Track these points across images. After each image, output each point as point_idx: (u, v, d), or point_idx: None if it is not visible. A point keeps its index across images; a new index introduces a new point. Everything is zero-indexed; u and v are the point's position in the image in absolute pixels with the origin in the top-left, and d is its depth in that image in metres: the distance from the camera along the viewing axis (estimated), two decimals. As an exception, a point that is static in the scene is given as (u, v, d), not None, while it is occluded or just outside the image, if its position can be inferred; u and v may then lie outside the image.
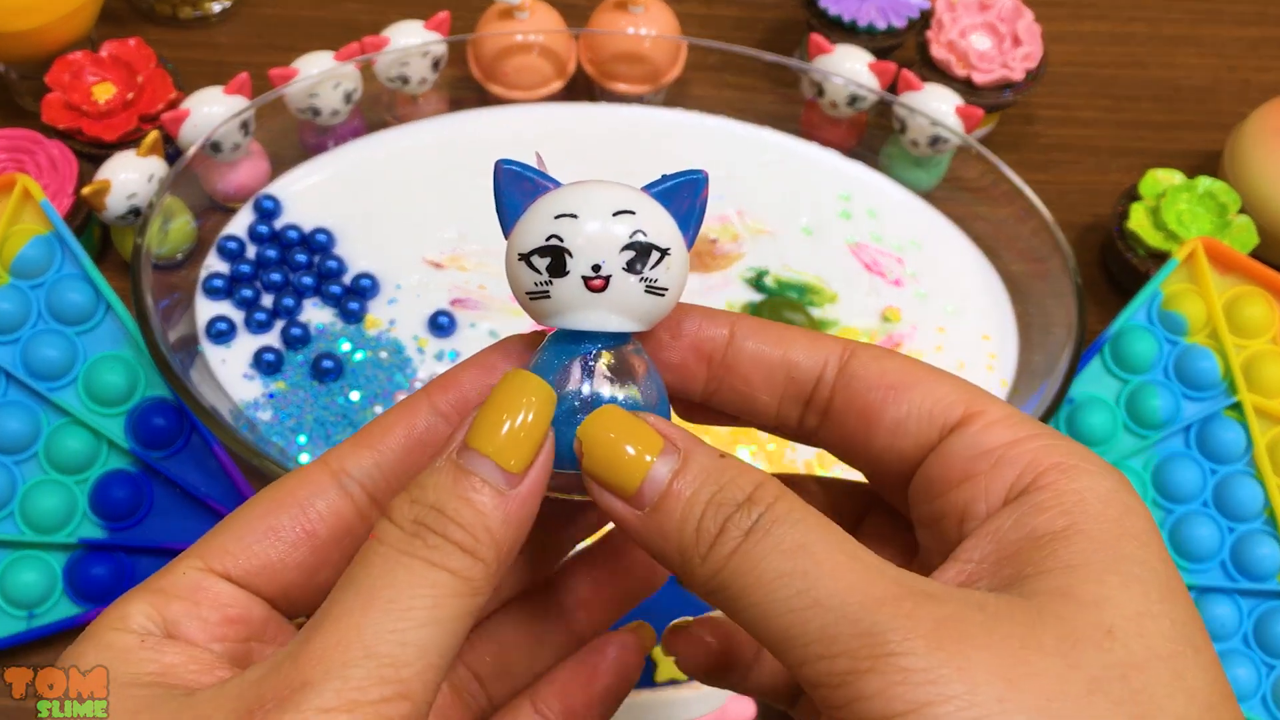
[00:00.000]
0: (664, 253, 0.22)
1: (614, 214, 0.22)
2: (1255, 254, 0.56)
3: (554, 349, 0.23)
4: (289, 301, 0.52)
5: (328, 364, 0.50)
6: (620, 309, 0.22)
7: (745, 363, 0.24)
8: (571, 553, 0.27)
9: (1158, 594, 0.19)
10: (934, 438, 0.22)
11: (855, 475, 0.26)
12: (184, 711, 0.19)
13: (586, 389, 0.22)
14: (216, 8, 0.65)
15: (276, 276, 0.52)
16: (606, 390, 0.22)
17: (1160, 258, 0.56)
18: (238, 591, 0.21)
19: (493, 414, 0.20)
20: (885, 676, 0.17)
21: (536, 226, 0.22)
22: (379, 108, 0.58)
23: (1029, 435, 0.21)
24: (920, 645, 0.17)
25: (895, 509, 0.25)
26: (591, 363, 0.22)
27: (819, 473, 0.50)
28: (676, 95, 0.61)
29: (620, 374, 0.22)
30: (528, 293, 0.22)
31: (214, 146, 0.52)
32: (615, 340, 0.22)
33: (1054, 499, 0.20)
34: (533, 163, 0.23)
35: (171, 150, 0.55)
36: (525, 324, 0.52)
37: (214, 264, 0.53)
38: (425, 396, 0.23)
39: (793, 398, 0.24)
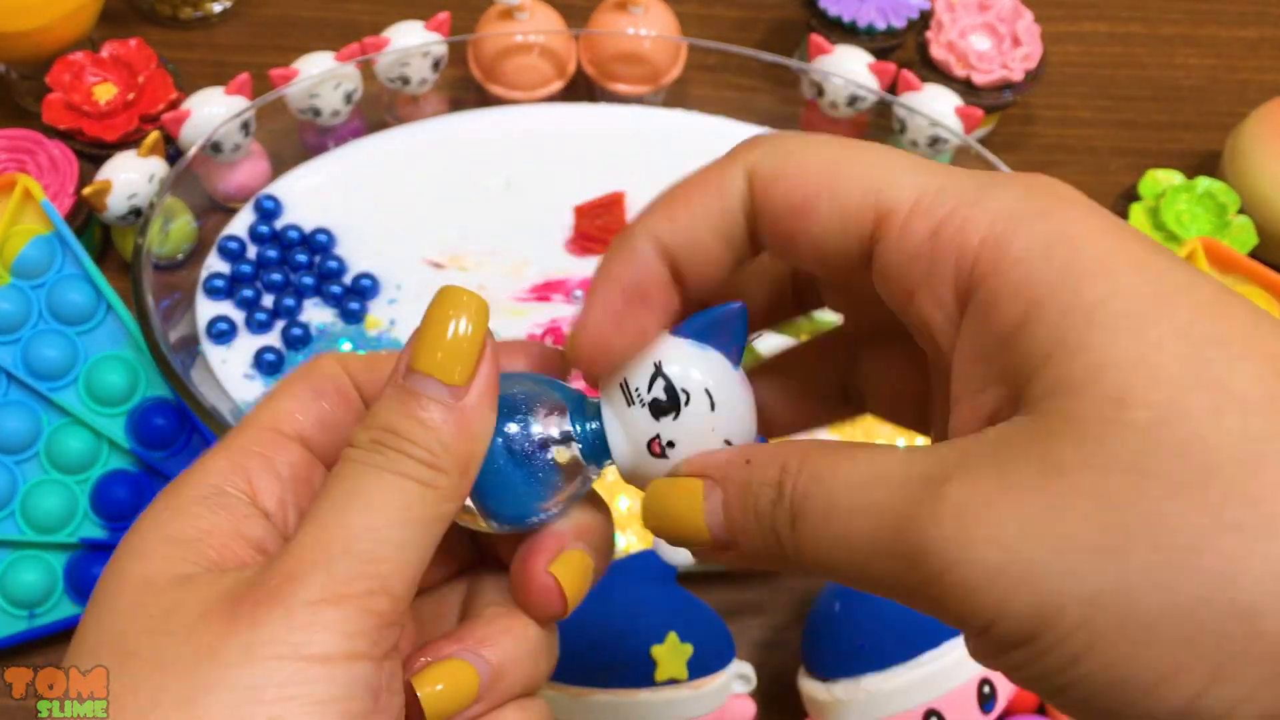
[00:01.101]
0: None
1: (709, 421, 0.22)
2: (1255, 254, 0.56)
3: (573, 401, 0.23)
4: (289, 302, 0.52)
5: (328, 364, 0.50)
6: (633, 475, 0.23)
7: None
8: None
9: (1146, 310, 0.16)
10: (861, 254, 0.20)
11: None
12: (182, 589, 0.20)
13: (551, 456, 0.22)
14: (217, 8, 0.65)
15: (277, 277, 0.52)
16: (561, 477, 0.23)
17: (1159, 258, 0.56)
18: None
19: (430, 332, 0.21)
20: (935, 586, 0.17)
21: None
22: (379, 108, 0.58)
23: (945, 216, 0.19)
24: (953, 544, 0.16)
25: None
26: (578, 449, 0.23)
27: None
28: (676, 95, 0.61)
29: (574, 472, 0.23)
30: (623, 384, 0.22)
31: (215, 147, 0.53)
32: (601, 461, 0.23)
33: (999, 286, 0.18)
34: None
35: (172, 150, 0.55)
36: (522, 329, 0.53)
37: (215, 264, 0.53)
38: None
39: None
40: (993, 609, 0.16)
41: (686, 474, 0.21)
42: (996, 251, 0.18)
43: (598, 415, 0.23)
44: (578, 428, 0.22)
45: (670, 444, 0.22)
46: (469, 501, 0.22)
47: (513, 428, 0.22)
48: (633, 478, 0.23)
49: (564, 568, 0.23)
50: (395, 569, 0.20)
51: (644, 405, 0.22)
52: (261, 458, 0.22)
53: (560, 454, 0.22)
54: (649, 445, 0.22)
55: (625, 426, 0.22)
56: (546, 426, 0.22)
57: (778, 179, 0.20)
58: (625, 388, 0.22)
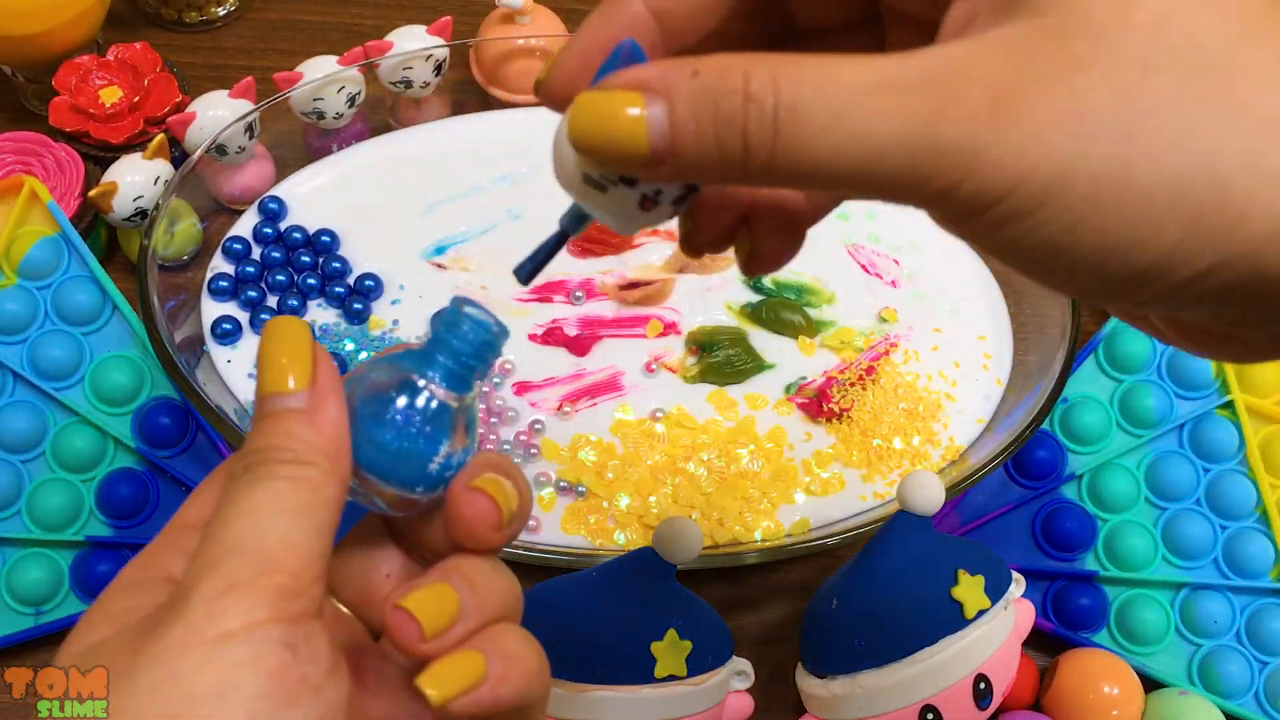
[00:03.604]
0: None
1: None
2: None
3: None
4: (294, 302, 0.52)
5: (331, 364, 0.50)
6: None
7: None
8: None
9: None
10: None
11: None
12: (105, 642, 0.21)
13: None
14: (221, 12, 0.66)
15: (281, 277, 0.53)
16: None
17: (1155, 259, 0.56)
18: None
19: (265, 360, 0.23)
20: (979, 177, 0.18)
21: None
22: (382, 111, 0.58)
23: None
24: (987, 131, 0.18)
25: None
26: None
27: (817, 470, 0.50)
28: (676, 98, 0.62)
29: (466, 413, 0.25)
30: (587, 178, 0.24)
31: (219, 149, 0.53)
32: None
33: None
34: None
35: (177, 153, 0.56)
36: (523, 329, 0.53)
37: (219, 265, 0.53)
38: None
39: None
40: (1015, 180, 0.18)
41: (618, 86, 0.20)
42: None
43: (435, 357, 0.24)
44: (427, 371, 0.24)
45: (658, 192, 0.23)
46: (370, 477, 0.23)
47: (371, 400, 0.24)
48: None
49: (487, 483, 0.24)
50: (284, 551, 0.21)
51: (617, 183, 0.23)
52: (171, 547, 0.24)
53: (420, 399, 0.24)
54: (641, 205, 0.23)
55: (610, 206, 0.23)
56: (398, 385, 0.24)
57: None
58: (591, 180, 0.23)
